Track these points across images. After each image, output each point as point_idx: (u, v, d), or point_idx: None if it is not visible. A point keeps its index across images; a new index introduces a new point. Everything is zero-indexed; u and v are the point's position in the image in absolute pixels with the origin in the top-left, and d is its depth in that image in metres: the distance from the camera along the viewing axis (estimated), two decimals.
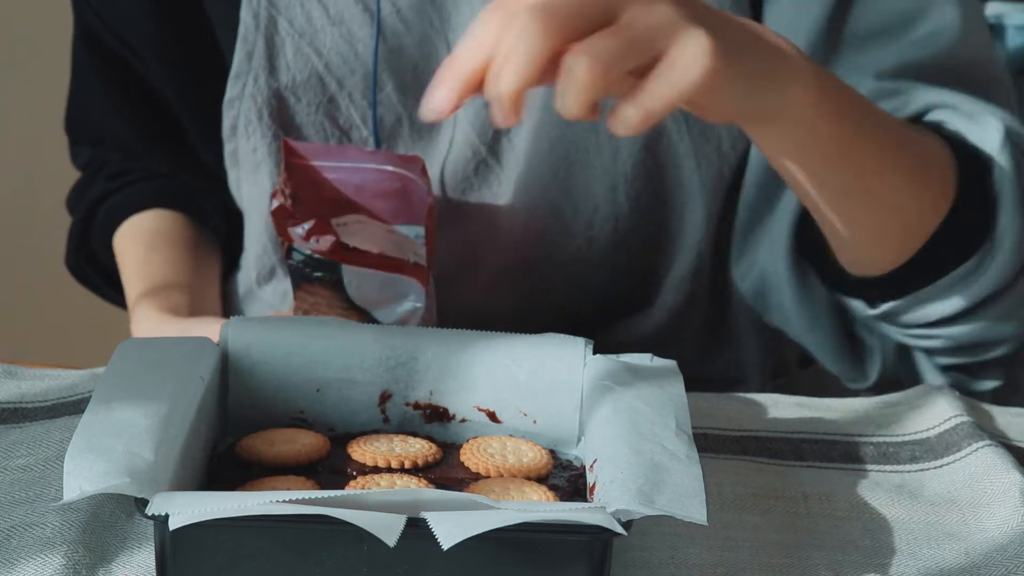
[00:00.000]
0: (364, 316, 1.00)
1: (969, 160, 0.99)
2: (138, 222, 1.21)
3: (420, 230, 1.03)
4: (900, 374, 1.09)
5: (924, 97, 1.02)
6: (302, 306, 1.00)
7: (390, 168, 1.05)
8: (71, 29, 1.25)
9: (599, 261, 1.13)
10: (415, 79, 1.10)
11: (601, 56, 0.74)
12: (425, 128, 1.11)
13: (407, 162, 1.06)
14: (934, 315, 1.01)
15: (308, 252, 0.99)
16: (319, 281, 1.00)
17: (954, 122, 1.00)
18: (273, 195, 1.02)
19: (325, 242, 0.99)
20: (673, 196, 1.12)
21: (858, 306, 1.05)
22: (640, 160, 1.10)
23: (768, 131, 0.89)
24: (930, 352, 1.07)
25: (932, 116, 1.01)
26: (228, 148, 1.15)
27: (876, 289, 1.02)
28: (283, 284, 1.18)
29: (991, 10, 2.21)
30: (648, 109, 0.76)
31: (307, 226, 0.99)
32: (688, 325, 1.17)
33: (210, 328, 0.99)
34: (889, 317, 1.03)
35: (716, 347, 1.20)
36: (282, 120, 1.12)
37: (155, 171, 1.24)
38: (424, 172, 1.05)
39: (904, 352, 1.09)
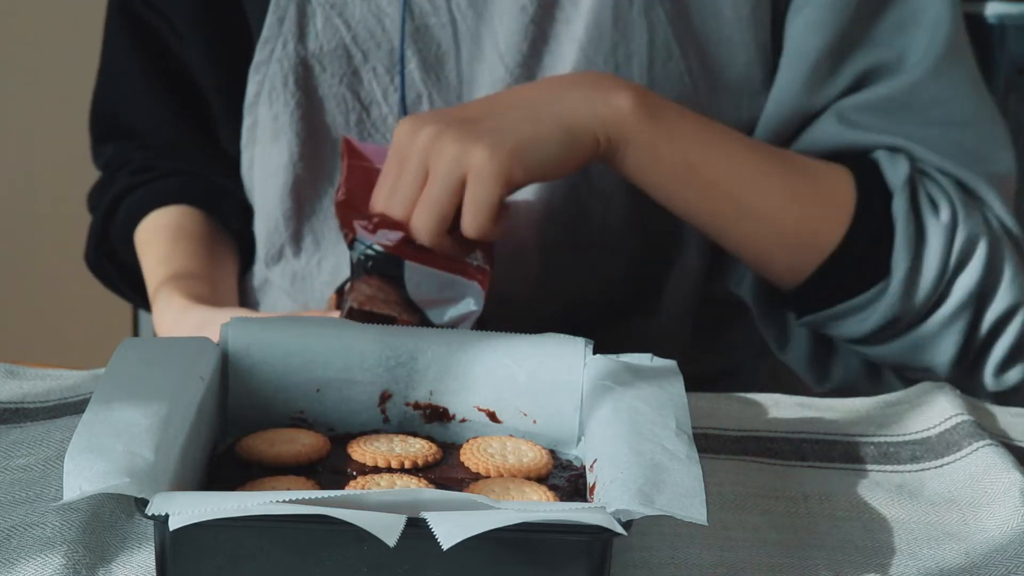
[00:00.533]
0: (418, 314, 1.00)
1: (884, 191, 1.07)
2: (160, 217, 1.22)
3: None
4: (862, 377, 1.15)
5: (863, 136, 1.09)
6: (358, 298, 0.99)
7: None
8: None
9: (613, 248, 1.13)
10: (437, 59, 1.12)
11: (429, 222, 0.97)
12: (445, 108, 1.12)
13: None
14: (847, 334, 1.09)
15: (370, 243, 0.99)
16: (379, 275, 0.99)
17: (877, 155, 1.08)
18: (336, 189, 1.02)
19: (394, 237, 0.99)
20: None
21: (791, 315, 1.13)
22: None
23: (612, 161, 1.01)
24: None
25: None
26: (247, 122, 1.17)
27: (791, 305, 1.11)
28: (291, 265, 1.19)
29: (991, 10, 2.21)
30: (474, 228, 0.96)
31: (376, 219, 0.99)
32: (687, 325, 1.17)
33: None
34: (814, 328, 1.11)
35: (712, 347, 1.20)
36: (306, 89, 1.14)
37: (178, 168, 1.25)
38: None
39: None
